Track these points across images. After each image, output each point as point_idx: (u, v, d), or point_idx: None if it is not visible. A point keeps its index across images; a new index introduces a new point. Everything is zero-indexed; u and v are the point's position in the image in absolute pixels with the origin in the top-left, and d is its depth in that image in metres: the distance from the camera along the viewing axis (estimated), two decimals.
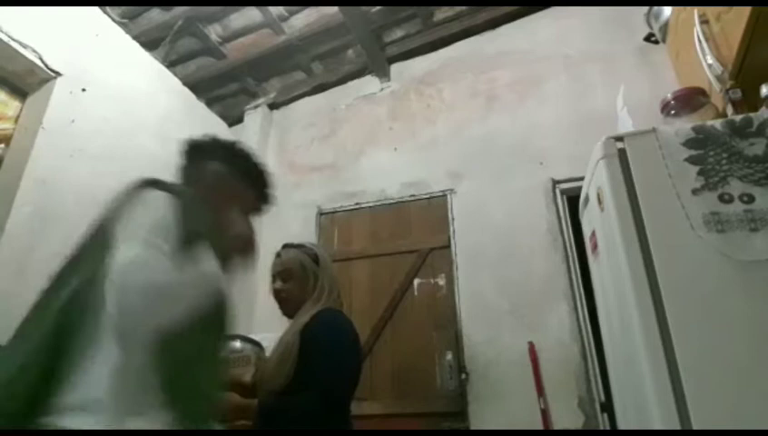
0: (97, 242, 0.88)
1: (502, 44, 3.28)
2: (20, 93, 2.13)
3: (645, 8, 2.63)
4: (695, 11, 1.83)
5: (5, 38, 1.97)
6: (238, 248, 1.04)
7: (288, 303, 1.56)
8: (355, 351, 1.48)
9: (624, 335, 1.40)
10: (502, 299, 2.61)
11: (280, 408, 1.30)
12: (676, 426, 1.13)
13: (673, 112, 1.65)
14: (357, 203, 3.21)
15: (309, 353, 1.35)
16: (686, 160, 1.34)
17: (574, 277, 2.54)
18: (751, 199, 1.25)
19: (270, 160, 3.64)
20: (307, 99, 3.75)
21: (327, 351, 1.35)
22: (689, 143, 1.36)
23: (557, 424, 2.27)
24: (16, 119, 2.08)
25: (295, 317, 1.52)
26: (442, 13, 3.33)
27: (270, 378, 1.37)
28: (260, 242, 3.57)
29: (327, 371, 1.32)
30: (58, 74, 2.14)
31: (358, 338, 1.52)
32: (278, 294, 1.59)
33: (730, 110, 1.58)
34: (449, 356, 2.59)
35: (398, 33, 3.44)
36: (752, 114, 1.37)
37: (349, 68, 3.60)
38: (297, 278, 1.56)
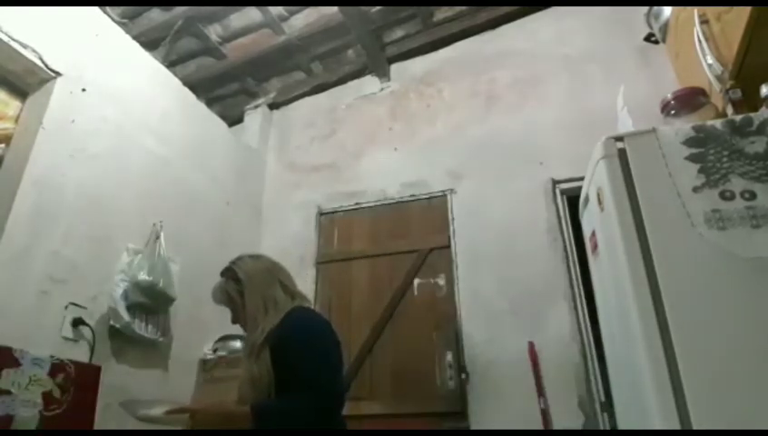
0: None
1: (502, 44, 3.28)
2: (20, 93, 2.12)
3: (645, 8, 2.62)
4: (695, 11, 1.83)
5: (5, 38, 1.96)
6: None
7: (244, 329, 1.54)
8: (331, 345, 1.41)
9: (624, 335, 1.40)
10: (502, 299, 2.61)
11: (271, 411, 1.28)
12: (676, 426, 1.13)
13: (673, 112, 1.65)
14: (357, 203, 3.21)
15: (286, 359, 1.32)
16: (687, 158, 1.34)
17: (574, 277, 2.53)
18: (752, 196, 1.25)
19: (270, 160, 3.64)
20: (307, 99, 3.75)
21: (304, 355, 1.32)
22: (689, 142, 1.36)
23: (557, 424, 2.27)
24: (16, 119, 2.08)
25: (245, 340, 1.50)
26: (442, 13, 3.33)
27: (250, 400, 1.33)
28: (262, 242, 3.56)
29: (311, 375, 1.28)
30: (58, 74, 2.14)
31: (333, 332, 1.45)
32: (234, 323, 1.58)
33: (730, 110, 1.58)
34: (449, 356, 2.59)
35: (398, 33, 3.45)
36: (752, 114, 1.37)
37: (349, 68, 3.60)
38: (233, 307, 1.54)
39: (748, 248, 1.21)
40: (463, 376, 2.51)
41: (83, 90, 2.23)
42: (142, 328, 2.24)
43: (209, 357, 2.61)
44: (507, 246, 2.71)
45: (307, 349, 1.33)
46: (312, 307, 1.58)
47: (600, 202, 1.51)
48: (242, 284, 1.51)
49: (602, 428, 2.20)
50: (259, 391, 1.32)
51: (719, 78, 1.68)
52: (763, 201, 1.23)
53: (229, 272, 1.56)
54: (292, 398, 1.28)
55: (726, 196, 1.26)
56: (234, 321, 1.57)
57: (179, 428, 1.31)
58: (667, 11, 2.39)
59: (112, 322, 2.12)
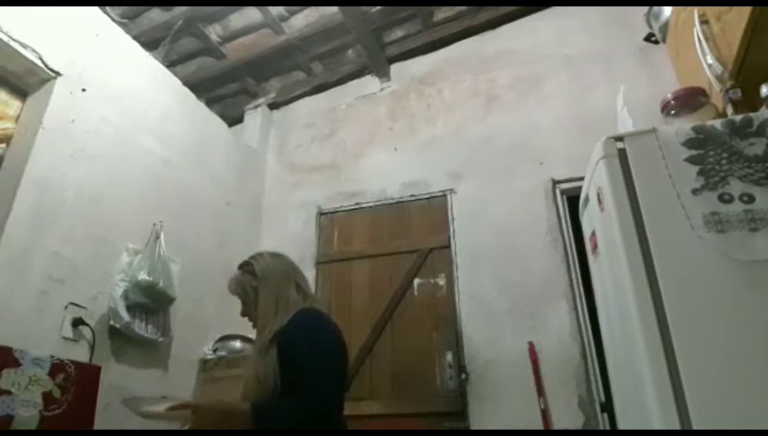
0: None
1: (502, 44, 3.28)
2: (20, 93, 2.13)
3: (645, 8, 2.62)
4: (695, 11, 1.83)
5: (5, 38, 1.96)
6: None
7: (253, 323, 1.55)
8: (333, 349, 1.40)
9: (624, 335, 1.40)
10: (502, 299, 2.61)
11: (268, 412, 1.27)
12: (676, 426, 1.13)
13: (673, 112, 1.65)
14: (357, 203, 3.21)
15: (289, 359, 1.32)
16: (686, 160, 1.34)
17: (574, 277, 2.54)
18: (751, 199, 1.25)
19: (270, 160, 3.65)
20: (307, 99, 3.75)
21: (304, 356, 1.31)
22: (689, 143, 1.36)
23: (557, 424, 2.27)
24: (16, 119, 2.08)
25: (254, 339, 1.51)
26: (442, 13, 3.33)
27: (255, 399, 1.33)
28: (262, 242, 3.55)
29: (308, 378, 1.28)
30: (58, 74, 2.14)
31: (338, 335, 1.44)
32: (243, 316, 1.58)
33: (730, 110, 1.58)
34: (449, 356, 2.59)
35: (398, 33, 3.44)
36: (752, 114, 1.37)
37: (349, 68, 3.60)
38: (245, 300, 1.54)
39: (746, 251, 1.21)
40: (463, 376, 2.51)
41: (83, 90, 2.23)
42: (142, 328, 2.25)
43: (209, 357, 2.61)
44: (507, 246, 2.71)
45: (307, 351, 1.32)
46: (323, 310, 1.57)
47: (600, 202, 1.51)
48: (258, 280, 1.51)
49: (602, 428, 2.20)
50: (264, 389, 1.32)
51: (719, 78, 1.68)
52: (762, 204, 1.23)
53: (247, 266, 1.56)
54: (288, 401, 1.28)
55: (725, 199, 1.27)
56: (244, 314, 1.57)
57: (179, 425, 1.29)
58: (667, 11, 2.39)
59: (112, 322, 2.13)
